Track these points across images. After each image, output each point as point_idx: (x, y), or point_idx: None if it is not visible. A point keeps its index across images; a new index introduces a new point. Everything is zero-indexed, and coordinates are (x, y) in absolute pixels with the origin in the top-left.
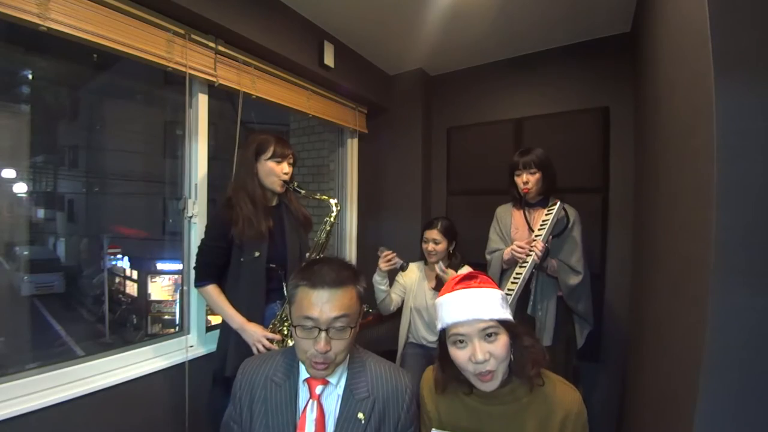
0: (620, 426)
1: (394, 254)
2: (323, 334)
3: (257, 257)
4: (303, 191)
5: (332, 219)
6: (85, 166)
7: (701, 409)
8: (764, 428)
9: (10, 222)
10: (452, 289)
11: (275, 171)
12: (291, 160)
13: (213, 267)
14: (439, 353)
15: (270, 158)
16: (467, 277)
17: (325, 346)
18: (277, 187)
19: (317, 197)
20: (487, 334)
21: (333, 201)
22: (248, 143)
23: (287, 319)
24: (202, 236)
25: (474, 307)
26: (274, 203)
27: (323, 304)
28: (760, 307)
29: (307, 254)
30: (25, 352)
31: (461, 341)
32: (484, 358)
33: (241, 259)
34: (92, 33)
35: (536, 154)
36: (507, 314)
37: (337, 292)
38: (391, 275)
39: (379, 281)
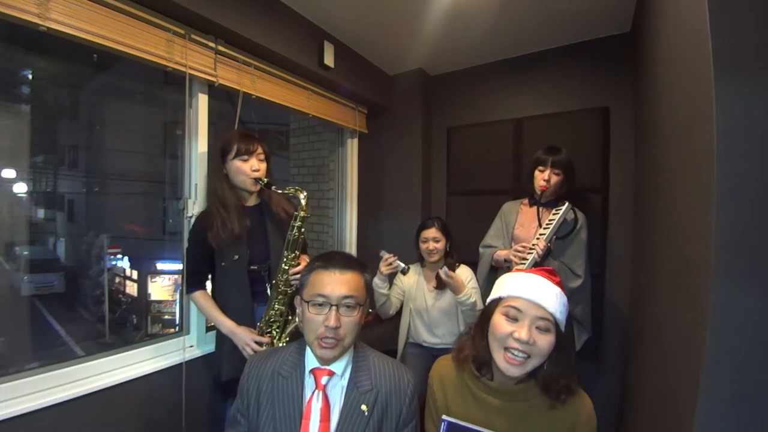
0: (620, 426)
1: (395, 257)
2: (334, 309)
3: (237, 260)
4: (273, 187)
5: (302, 213)
6: (85, 166)
7: (701, 409)
8: (764, 428)
9: (10, 222)
10: (530, 271)
11: (243, 169)
12: (261, 156)
13: (198, 274)
14: (477, 323)
15: (235, 157)
16: (549, 271)
17: (335, 321)
18: (249, 186)
19: (286, 192)
20: (540, 326)
21: (302, 195)
22: (216, 146)
23: (274, 321)
24: (186, 245)
25: (545, 293)
26: (252, 203)
27: (335, 283)
28: (760, 307)
29: (284, 251)
30: (25, 352)
31: (513, 316)
32: (528, 339)
33: (222, 264)
34: (92, 33)
35: (565, 155)
36: (564, 320)
37: (347, 274)
38: (391, 278)
39: (380, 285)
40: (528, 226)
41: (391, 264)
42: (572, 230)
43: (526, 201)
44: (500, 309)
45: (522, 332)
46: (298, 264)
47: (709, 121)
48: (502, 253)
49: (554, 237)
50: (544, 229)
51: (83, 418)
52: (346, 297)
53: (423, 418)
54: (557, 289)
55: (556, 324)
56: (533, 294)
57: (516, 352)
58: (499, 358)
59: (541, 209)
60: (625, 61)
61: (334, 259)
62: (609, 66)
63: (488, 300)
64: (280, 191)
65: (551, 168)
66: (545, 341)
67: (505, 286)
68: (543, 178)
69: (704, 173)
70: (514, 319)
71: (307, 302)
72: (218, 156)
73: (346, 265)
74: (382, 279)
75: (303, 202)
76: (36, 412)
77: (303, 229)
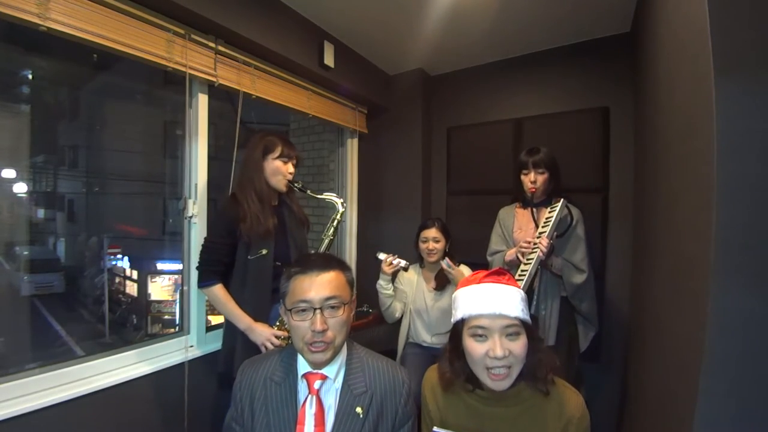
0: (620, 426)
1: (395, 255)
2: (318, 312)
3: (264, 255)
4: (308, 191)
5: (339, 217)
6: (85, 166)
7: (701, 409)
8: (764, 428)
9: (10, 222)
10: (480, 282)
11: (281, 170)
12: (295, 162)
13: (219, 265)
14: (449, 345)
15: (278, 157)
16: (497, 273)
17: (321, 324)
18: (282, 187)
19: (321, 197)
20: (509, 333)
21: (339, 200)
22: (256, 142)
23: None
24: (206, 234)
25: (501, 302)
26: (276, 203)
27: (315, 286)
28: (760, 307)
29: (320, 250)
30: (25, 352)
31: (481, 335)
32: (503, 354)
33: (248, 257)
34: (92, 33)
35: (545, 153)
36: (528, 316)
37: (327, 275)
38: (395, 277)
39: (384, 285)
40: (526, 227)
41: (392, 263)
42: (569, 227)
43: (519, 204)
44: (467, 331)
45: (496, 350)
46: None
47: (709, 121)
48: (510, 253)
49: (555, 234)
50: (543, 227)
51: (83, 418)
52: (329, 298)
53: (421, 426)
54: (512, 289)
55: (522, 324)
56: (492, 306)
57: (497, 369)
58: (484, 378)
59: (535, 210)
60: (625, 61)
61: (311, 261)
62: (609, 66)
63: (452, 320)
64: (317, 196)
65: (534, 169)
66: (519, 346)
67: (462, 305)
68: (529, 180)
69: (704, 173)
70: (484, 337)
71: (290, 310)
72: (259, 152)
73: (324, 266)
74: (386, 280)
75: (341, 209)
76: (36, 412)
77: (337, 232)
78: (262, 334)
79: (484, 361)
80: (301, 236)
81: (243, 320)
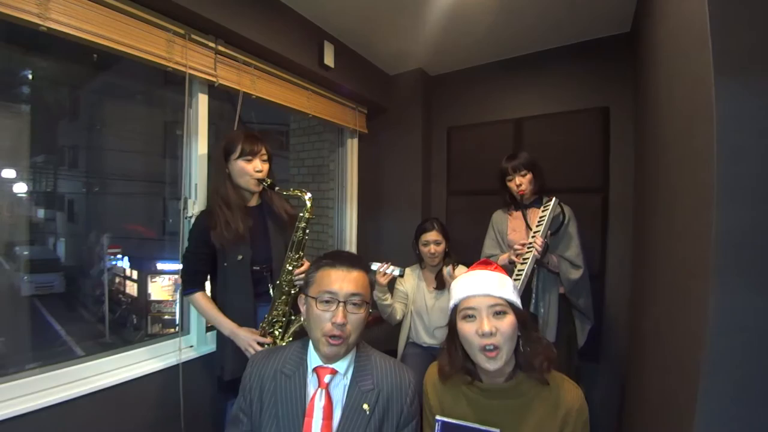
0: (620, 426)
1: (388, 264)
2: (341, 306)
3: (240, 260)
4: (277, 188)
5: (306, 214)
6: (85, 166)
7: (701, 409)
8: (764, 428)
9: (10, 222)
10: (469, 270)
11: (246, 170)
12: (264, 157)
13: (198, 274)
14: (447, 340)
15: (239, 157)
16: (484, 263)
17: (342, 318)
18: (252, 186)
19: (290, 193)
20: (496, 312)
21: (307, 196)
22: (220, 145)
23: (277, 321)
24: (186, 244)
25: (486, 284)
26: (254, 203)
27: (342, 280)
28: (760, 307)
29: (288, 252)
30: (25, 352)
31: (470, 315)
32: (490, 330)
33: (225, 264)
34: (92, 33)
35: (523, 156)
36: (517, 300)
37: (354, 272)
38: (390, 286)
39: (381, 297)
40: (520, 229)
41: (386, 273)
42: (561, 225)
43: (512, 208)
44: (459, 315)
45: (483, 325)
46: (302, 265)
47: (709, 121)
48: (503, 257)
49: (549, 232)
50: (537, 226)
51: (83, 418)
52: (354, 294)
53: (423, 424)
54: (498, 274)
55: (510, 305)
56: (478, 288)
57: (488, 347)
58: (480, 360)
59: (527, 211)
60: (625, 61)
61: (342, 257)
62: (609, 66)
63: (448, 312)
64: (284, 192)
65: (516, 173)
66: (506, 323)
67: (455, 293)
68: (516, 184)
69: (704, 173)
70: (473, 317)
71: (315, 299)
72: (221, 155)
73: (353, 264)
74: (382, 290)
75: (308, 204)
76: (36, 412)
77: (307, 230)
78: (245, 339)
79: (475, 340)
80: (284, 236)
81: (226, 326)
